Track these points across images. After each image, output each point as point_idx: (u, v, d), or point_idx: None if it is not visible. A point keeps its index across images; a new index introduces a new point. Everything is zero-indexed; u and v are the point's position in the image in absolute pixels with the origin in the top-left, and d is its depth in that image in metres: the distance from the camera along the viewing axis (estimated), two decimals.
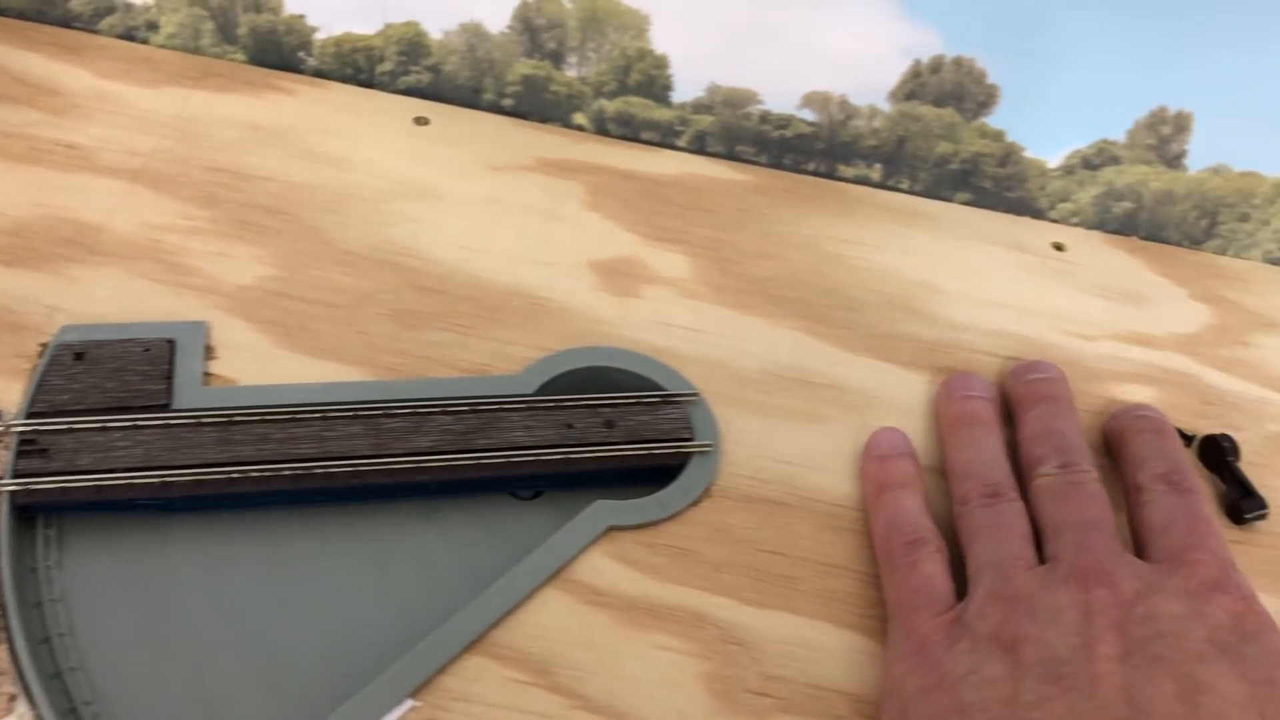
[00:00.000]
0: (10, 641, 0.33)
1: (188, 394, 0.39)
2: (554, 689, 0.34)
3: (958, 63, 0.49)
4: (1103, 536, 0.36)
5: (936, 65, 0.49)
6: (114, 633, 0.34)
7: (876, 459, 0.41)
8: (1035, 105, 0.50)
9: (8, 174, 0.45)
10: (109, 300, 0.42)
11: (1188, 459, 0.41)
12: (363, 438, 0.39)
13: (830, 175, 0.54)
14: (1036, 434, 0.41)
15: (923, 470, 0.41)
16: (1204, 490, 0.39)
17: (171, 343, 0.40)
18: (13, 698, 0.32)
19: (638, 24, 0.49)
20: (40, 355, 0.39)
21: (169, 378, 0.39)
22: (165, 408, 0.39)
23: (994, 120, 0.51)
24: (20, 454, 0.36)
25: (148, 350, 0.40)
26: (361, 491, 0.38)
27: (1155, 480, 0.39)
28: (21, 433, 0.37)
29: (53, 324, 0.41)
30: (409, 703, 0.33)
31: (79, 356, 0.39)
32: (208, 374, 0.40)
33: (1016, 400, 0.43)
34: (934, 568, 0.37)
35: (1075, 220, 0.54)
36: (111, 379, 0.39)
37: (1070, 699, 0.30)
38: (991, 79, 0.49)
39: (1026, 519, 0.38)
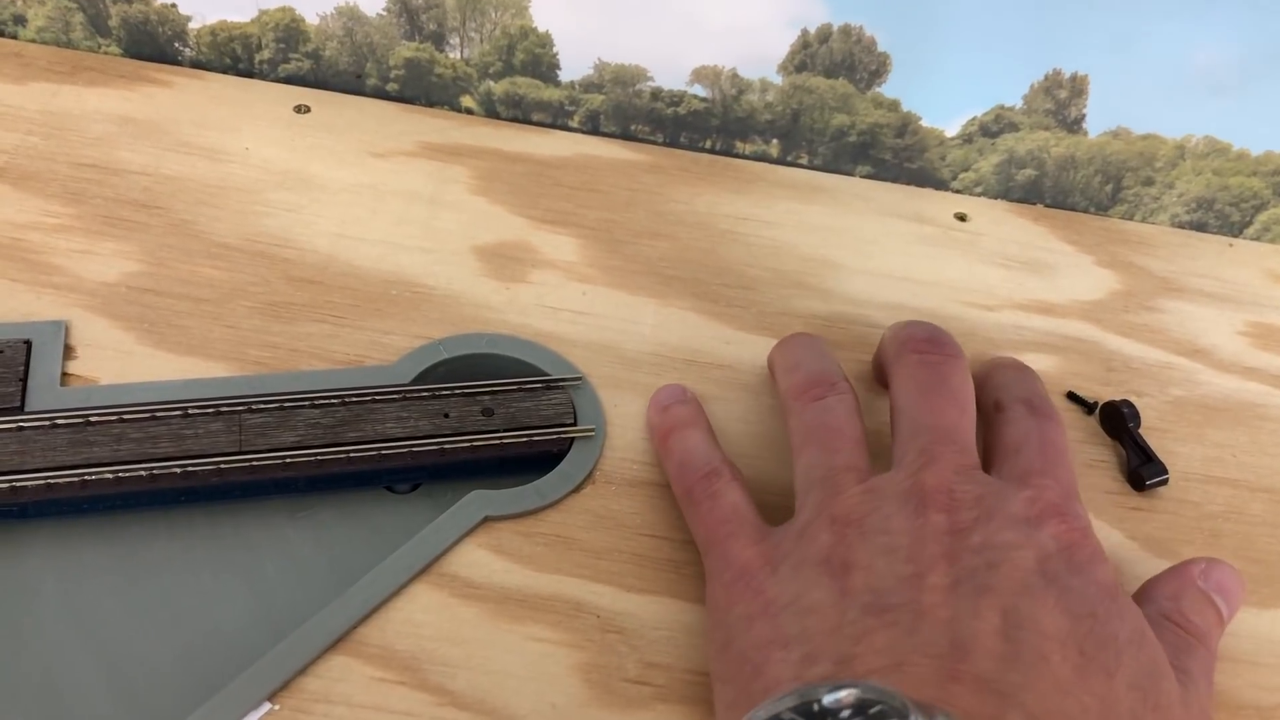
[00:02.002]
0: None
1: (43, 395, 0.38)
2: (421, 686, 0.33)
3: (846, 31, 0.48)
4: (954, 447, 0.34)
5: (825, 34, 0.48)
6: None
7: (658, 409, 0.40)
8: (928, 73, 0.49)
9: None
10: None
11: (1033, 379, 0.40)
12: (224, 435, 0.37)
13: (728, 152, 0.52)
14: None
15: (704, 411, 0.40)
16: (1062, 421, 0.38)
17: (28, 343, 0.39)
18: None
19: (518, 2, 0.48)
20: None
21: (24, 379, 0.38)
22: (18, 410, 0.37)
23: (888, 89, 0.50)
24: None
25: (2, 352, 0.38)
26: (225, 490, 0.37)
27: (1016, 402, 0.38)
28: None
29: None
30: (266, 705, 0.32)
31: None
32: (66, 374, 0.39)
33: (892, 358, 0.40)
34: (735, 495, 0.35)
35: (979, 190, 0.53)
36: None
37: (894, 633, 0.29)
38: (882, 47, 0.48)
39: (858, 417, 0.36)
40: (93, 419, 0.37)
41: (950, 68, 0.49)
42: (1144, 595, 0.36)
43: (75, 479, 0.35)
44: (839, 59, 0.49)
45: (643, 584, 0.37)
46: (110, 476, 0.36)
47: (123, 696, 0.33)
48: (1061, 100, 0.50)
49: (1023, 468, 0.35)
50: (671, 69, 0.50)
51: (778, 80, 0.50)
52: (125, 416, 0.37)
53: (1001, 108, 0.50)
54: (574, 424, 0.40)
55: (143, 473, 0.36)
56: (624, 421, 0.41)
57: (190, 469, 0.36)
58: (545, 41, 0.49)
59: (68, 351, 0.39)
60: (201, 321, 0.41)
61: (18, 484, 0.35)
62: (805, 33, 0.48)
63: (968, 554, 0.31)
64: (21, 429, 0.36)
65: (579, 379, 0.41)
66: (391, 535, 0.37)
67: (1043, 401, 0.38)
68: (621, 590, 0.36)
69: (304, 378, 0.40)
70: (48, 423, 0.37)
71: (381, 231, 0.46)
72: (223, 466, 0.36)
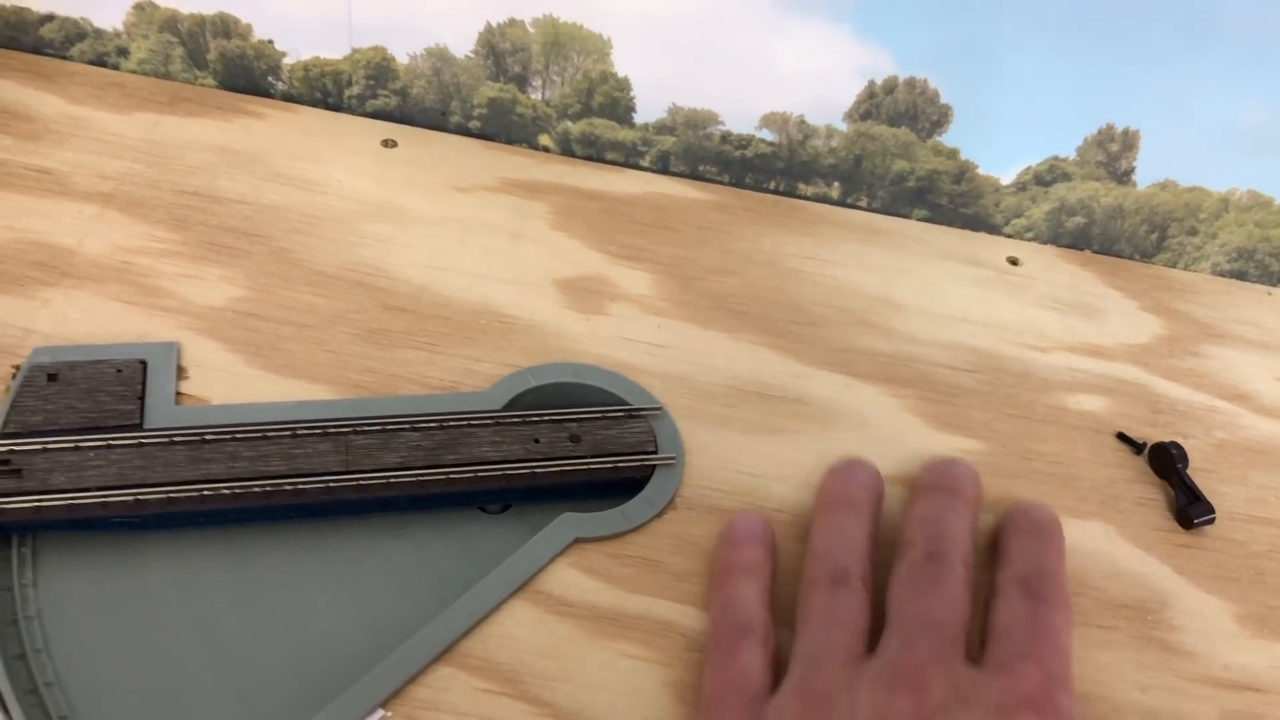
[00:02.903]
0: None
1: (160, 413, 0.40)
2: (522, 697, 0.35)
3: (911, 83, 0.50)
4: (936, 638, 0.34)
5: (890, 86, 0.50)
6: (89, 648, 0.35)
7: (728, 544, 0.39)
8: (987, 124, 0.52)
9: None
10: (81, 322, 0.43)
11: (1061, 569, 0.38)
12: (332, 454, 0.39)
13: (791, 193, 0.55)
14: (920, 518, 0.39)
15: (772, 556, 0.39)
16: (1064, 601, 0.36)
17: (144, 364, 0.41)
18: None
19: (600, 48, 0.50)
20: (13, 377, 0.40)
21: (141, 398, 0.40)
22: (138, 427, 0.39)
23: (948, 139, 0.52)
24: None
25: (120, 371, 0.41)
26: (332, 507, 0.39)
27: (1011, 582, 0.37)
28: None
29: (26, 346, 0.41)
30: (380, 712, 0.34)
31: (52, 378, 0.40)
32: (180, 393, 0.41)
33: (918, 488, 0.41)
34: (752, 659, 0.35)
35: (1029, 235, 0.55)
36: (84, 399, 0.39)
37: None
38: (944, 99, 0.51)
39: (867, 612, 0.36)
40: (208, 437, 0.39)
41: (1008, 119, 0.51)
42: None
43: (194, 494, 0.38)
44: (903, 109, 0.51)
45: None
46: (227, 492, 0.38)
47: (239, 698, 0.35)
48: (1113, 153, 0.52)
49: (1007, 653, 0.34)
50: (741, 114, 0.52)
51: (843, 127, 0.52)
52: (238, 435, 0.39)
53: (1055, 159, 0.52)
54: (655, 452, 0.42)
55: (257, 489, 0.38)
56: (700, 450, 0.43)
57: (301, 486, 0.38)
58: (624, 86, 0.51)
59: (180, 372, 0.42)
60: (304, 346, 0.43)
61: (141, 497, 0.37)
62: (872, 83, 0.50)
63: None
64: (142, 445, 0.39)
65: (659, 409, 0.44)
66: (485, 553, 0.39)
67: (1043, 581, 0.37)
68: (704, 612, 0.39)
69: (404, 402, 0.42)
70: (166, 440, 0.39)
71: (468, 263, 0.48)
72: (331, 485, 0.39)
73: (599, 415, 0.43)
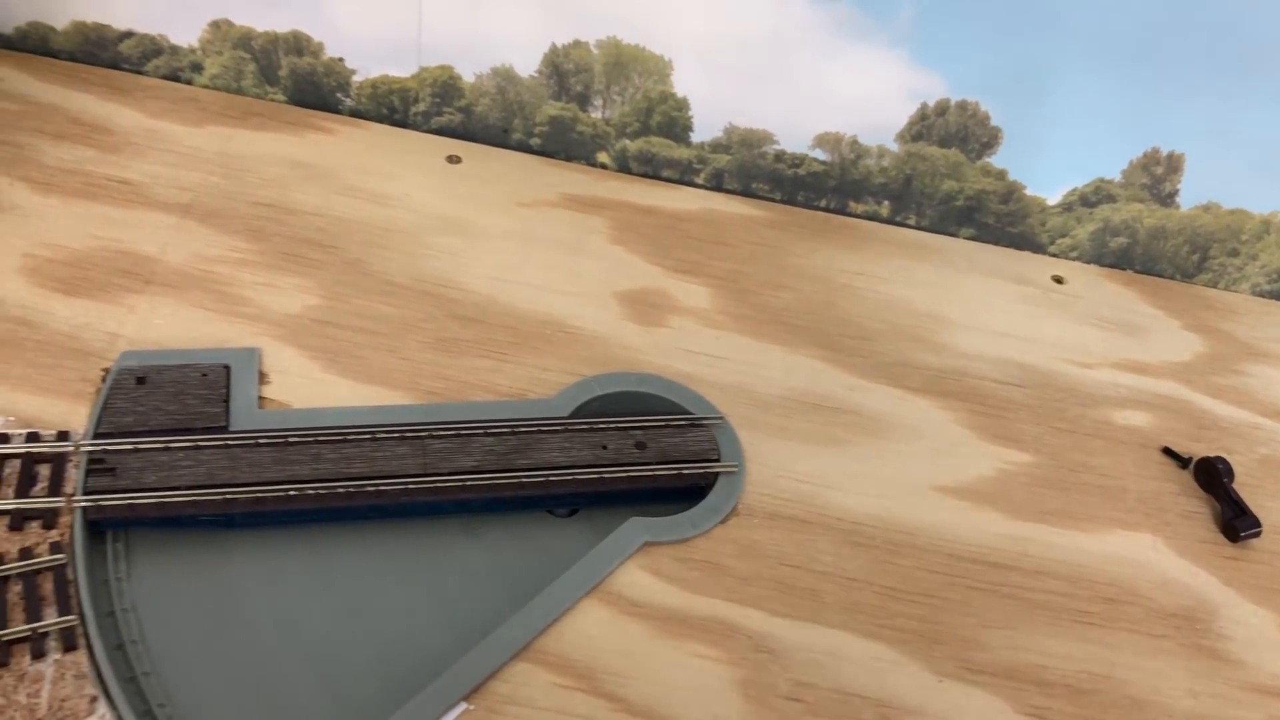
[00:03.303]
0: (89, 647, 0.35)
1: (244, 416, 0.41)
2: (596, 693, 0.37)
3: (962, 106, 0.52)
4: None
5: (942, 108, 0.52)
6: (181, 640, 0.36)
7: None
8: (1036, 146, 0.53)
9: (66, 208, 0.48)
10: (165, 327, 0.44)
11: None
12: (410, 458, 0.41)
13: (841, 211, 0.56)
14: None
15: None
16: None
17: (227, 368, 0.43)
18: (94, 699, 0.34)
19: (660, 69, 0.52)
20: (103, 380, 0.42)
21: (226, 401, 0.42)
22: (224, 429, 0.41)
23: (997, 160, 0.54)
24: (90, 472, 0.38)
25: (205, 375, 0.42)
26: (409, 508, 0.40)
27: None
28: (90, 452, 0.39)
29: (114, 350, 0.43)
30: (463, 705, 0.35)
31: (140, 381, 0.41)
32: (262, 397, 0.42)
33: None
34: None
35: (1073, 254, 0.57)
36: (172, 402, 0.41)
37: None
38: (994, 121, 0.52)
39: None
40: (292, 439, 0.40)
41: (1056, 142, 0.53)
42: None
43: (280, 494, 0.39)
44: (954, 130, 0.53)
45: (786, 609, 0.40)
46: (311, 492, 0.39)
47: (325, 689, 0.36)
48: (1157, 176, 0.53)
49: None
50: (796, 133, 0.54)
51: (895, 147, 0.54)
52: (321, 438, 0.41)
53: (1101, 180, 0.54)
54: (718, 460, 0.43)
55: (340, 490, 0.40)
56: (759, 459, 0.45)
57: (382, 488, 0.40)
58: (682, 105, 0.53)
59: (261, 377, 0.43)
60: (379, 353, 0.45)
61: (230, 496, 0.39)
62: (924, 106, 0.52)
63: None
64: (229, 446, 0.40)
65: (720, 419, 0.45)
66: (555, 554, 0.41)
67: None
68: (769, 614, 0.40)
69: (475, 408, 0.43)
70: (252, 441, 0.40)
71: (532, 275, 0.50)
72: (410, 486, 0.40)
73: (663, 424, 0.44)
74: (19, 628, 0.35)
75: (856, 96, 0.52)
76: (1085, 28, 0.48)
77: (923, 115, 0.52)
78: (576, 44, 0.51)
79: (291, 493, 0.39)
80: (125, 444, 0.39)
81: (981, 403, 0.49)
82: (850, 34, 0.50)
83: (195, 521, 0.39)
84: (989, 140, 0.53)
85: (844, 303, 0.52)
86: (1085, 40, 0.49)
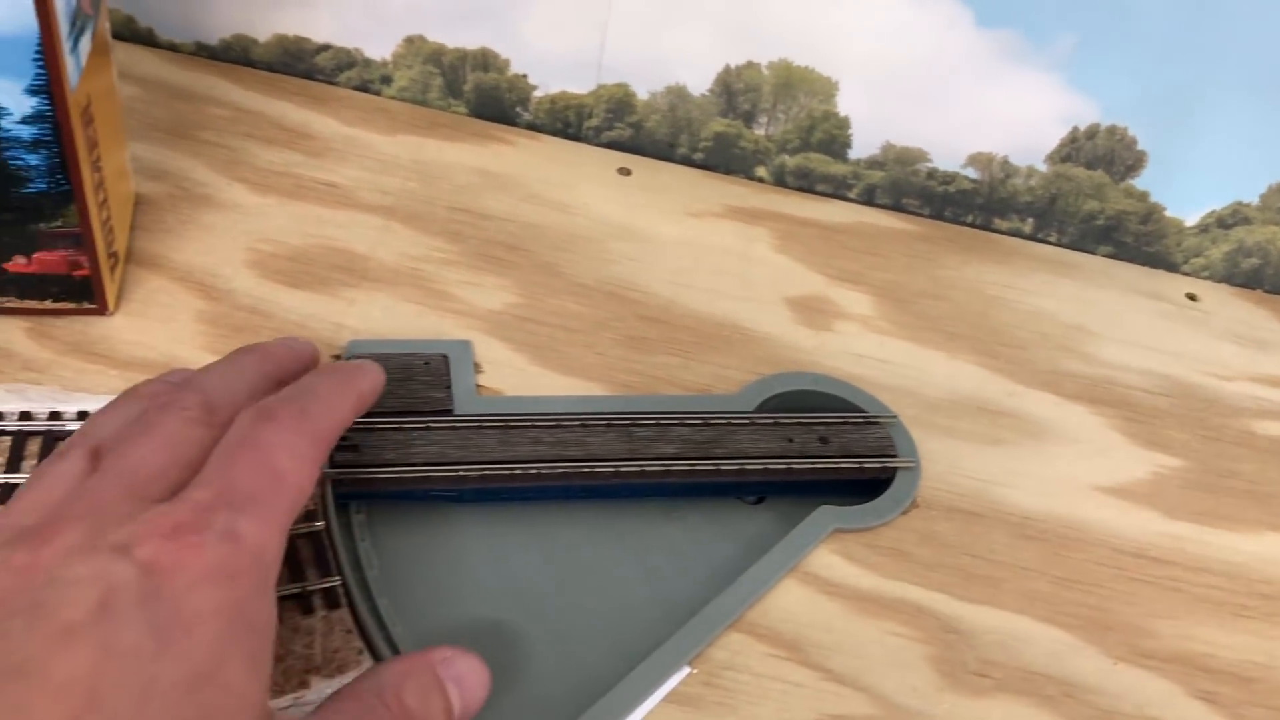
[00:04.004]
0: (351, 605, 0.38)
1: (466, 401, 0.45)
2: (805, 663, 0.40)
3: (1112, 130, 0.55)
4: (110, 483, 0.29)
5: (1092, 132, 0.55)
6: (420, 601, 0.40)
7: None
8: (1178, 169, 0.56)
9: (282, 208, 0.52)
10: (383, 320, 0.48)
11: (326, 393, 0.34)
12: (618, 443, 0.44)
13: (986, 227, 0.59)
14: (178, 381, 0.34)
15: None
16: (296, 419, 0.31)
17: (445, 357, 0.46)
18: (360, 650, 0.37)
19: (826, 89, 0.55)
20: None
21: (448, 387, 0.45)
22: (449, 413, 0.44)
23: (1139, 182, 0.57)
24: (337, 449, 0.42)
25: (427, 363, 0.46)
26: (618, 490, 0.44)
27: (250, 410, 0.31)
28: None
29: (340, 339, 0.46)
30: (686, 669, 0.39)
31: None
32: (478, 385, 0.46)
33: None
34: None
35: (1205, 274, 0.59)
36: (401, 387, 0.45)
37: None
38: (1141, 145, 0.55)
39: (162, 453, 0.30)
40: (512, 423, 0.44)
41: (1198, 166, 0.56)
42: (372, 672, 0.32)
43: (505, 472, 0.42)
44: (1101, 153, 0.56)
45: (969, 594, 0.43)
46: (533, 472, 0.43)
47: (552, 650, 0.39)
48: None
49: (201, 477, 0.29)
50: (948, 152, 0.57)
51: (1043, 168, 0.57)
52: (537, 423, 0.44)
53: (1239, 203, 0.57)
54: (896, 455, 0.47)
55: (558, 470, 0.43)
56: (931, 456, 0.48)
57: (595, 470, 0.43)
58: (843, 124, 0.56)
59: (474, 367, 0.47)
60: (575, 348, 0.48)
61: (461, 473, 0.42)
62: (1075, 129, 0.55)
63: (21, 594, 0.25)
64: (456, 428, 0.44)
65: (894, 418, 0.48)
66: (748, 537, 0.44)
67: (283, 403, 0.32)
68: (953, 598, 0.43)
69: (669, 400, 0.47)
70: (476, 424, 0.44)
71: (706, 280, 0.53)
72: (620, 469, 0.43)
73: (842, 420, 0.47)
74: (288, 586, 0.38)
75: (1010, 118, 0.55)
76: (1237, 56, 0.51)
77: (1073, 138, 0.55)
78: (749, 65, 0.55)
79: (516, 472, 0.43)
80: (364, 423, 0.43)
81: (1132, 410, 0.51)
82: (1011, 58, 0.53)
83: (426, 495, 0.42)
84: (1134, 163, 0.56)
85: (996, 313, 0.55)
86: (1235, 68, 0.52)
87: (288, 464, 0.30)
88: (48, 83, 0.38)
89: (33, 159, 0.40)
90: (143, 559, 0.26)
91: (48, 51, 0.37)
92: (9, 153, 0.39)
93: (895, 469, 0.46)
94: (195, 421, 0.31)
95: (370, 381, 0.37)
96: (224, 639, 0.26)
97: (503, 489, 0.43)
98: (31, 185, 0.40)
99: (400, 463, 0.42)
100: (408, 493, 0.42)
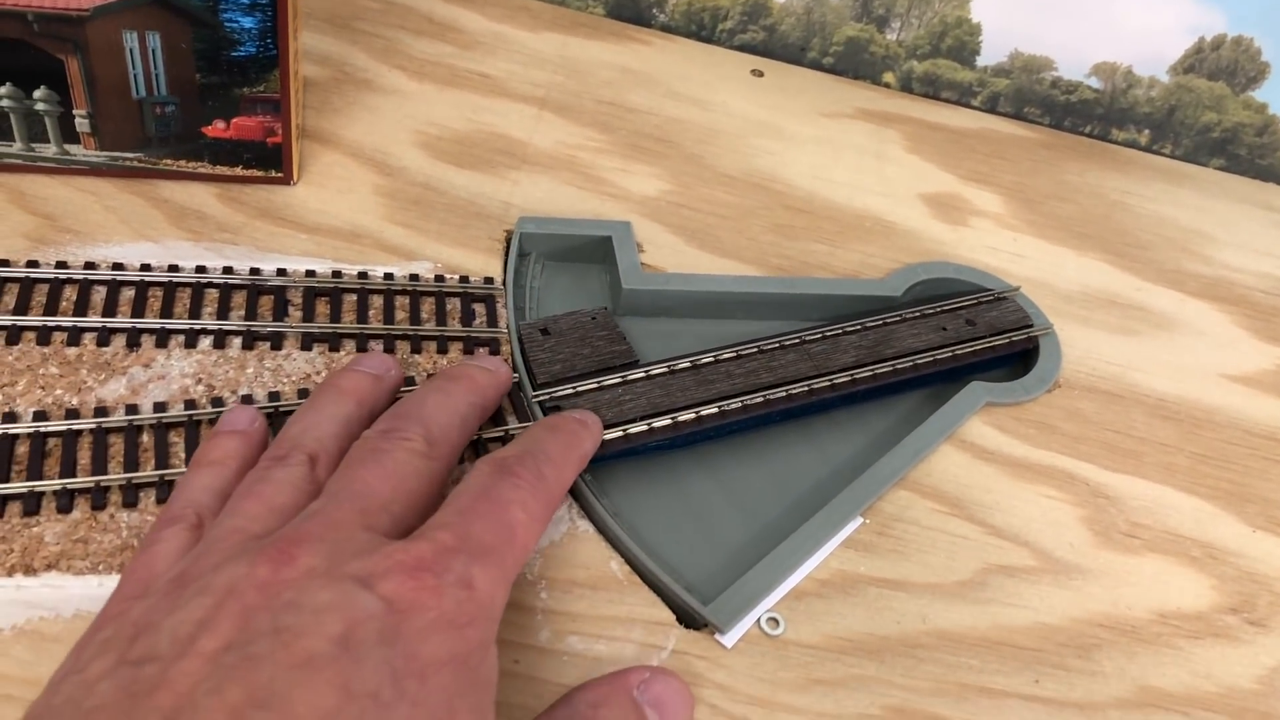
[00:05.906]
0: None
1: (632, 277, 0.47)
2: (968, 519, 0.42)
3: (1238, 41, 0.56)
4: (343, 509, 0.29)
5: (1218, 43, 0.57)
6: (649, 512, 0.41)
7: (212, 433, 0.36)
8: None
9: (440, 95, 0.53)
10: (545, 200, 0.50)
11: (557, 453, 0.35)
12: (801, 362, 0.45)
13: (1103, 138, 0.61)
14: (395, 408, 0.35)
15: (256, 450, 0.35)
16: (534, 480, 0.32)
17: (606, 309, 0.46)
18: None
19: None
20: (506, 240, 0.47)
21: (625, 340, 0.45)
22: (635, 364, 0.44)
23: (1259, 94, 0.58)
24: None
25: (594, 318, 0.45)
26: (811, 407, 0.44)
27: (487, 460, 0.33)
28: (541, 403, 0.42)
29: (509, 215, 0.48)
30: (859, 520, 0.41)
31: (545, 332, 0.45)
32: (642, 263, 0.48)
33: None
34: (168, 544, 0.31)
35: None
36: (583, 346, 0.44)
37: (124, 705, 0.24)
38: (1265, 56, 0.57)
39: (302, 491, 0.31)
40: (700, 362, 0.44)
41: None
42: (567, 699, 0.31)
43: (715, 411, 0.43)
44: (1224, 64, 0.57)
45: (1114, 465, 0.45)
46: (737, 405, 0.43)
47: (747, 518, 0.41)
48: None
49: (439, 518, 0.30)
50: (1074, 61, 0.59)
51: (1165, 79, 0.58)
52: (721, 358, 0.44)
53: None
54: (1032, 324, 0.48)
55: (759, 399, 0.43)
56: (1070, 341, 0.50)
57: (791, 392, 0.44)
58: (975, 30, 0.58)
59: (637, 247, 0.49)
60: (728, 234, 0.51)
61: (678, 419, 0.42)
62: (1201, 40, 0.57)
63: (264, 613, 0.26)
64: (651, 376, 0.43)
65: (1017, 288, 0.50)
66: (909, 415, 0.46)
67: (521, 460, 0.33)
68: (1099, 468, 0.45)
69: (823, 284, 0.49)
70: (667, 369, 0.44)
71: (844, 176, 0.55)
72: (813, 387, 0.44)
73: (977, 301, 0.49)
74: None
75: (1139, 28, 0.57)
76: None
77: (1198, 49, 0.57)
78: None
79: (724, 408, 0.43)
80: (567, 390, 0.42)
81: (1253, 308, 0.53)
82: None
83: (645, 449, 0.42)
84: (1256, 74, 0.58)
85: (1119, 216, 0.57)
86: None
87: (522, 521, 0.31)
88: None
89: (248, 22, 0.42)
90: (385, 594, 0.26)
91: None
92: (226, 14, 0.41)
93: (1037, 340, 0.48)
94: (419, 454, 0.32)
95: (593, 442, 0.39)
96: (453, 691, 0.26)
97: (710, 428, 0.43)
98: (242, 49, 0.42)
99: (619, 421, 0.41)
100: (631, 450, 0.41)
